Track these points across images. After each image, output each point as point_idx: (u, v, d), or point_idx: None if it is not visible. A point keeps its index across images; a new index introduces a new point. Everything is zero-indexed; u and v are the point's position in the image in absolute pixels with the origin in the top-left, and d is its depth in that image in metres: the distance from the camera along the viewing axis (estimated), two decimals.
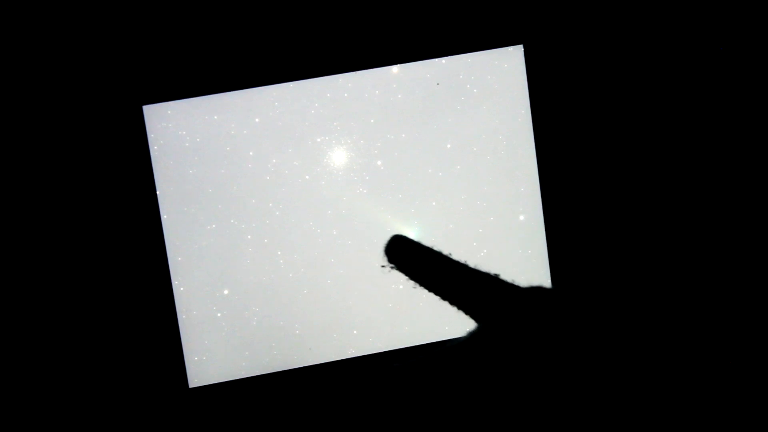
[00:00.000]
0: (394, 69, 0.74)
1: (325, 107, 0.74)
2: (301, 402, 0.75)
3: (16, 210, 0.72)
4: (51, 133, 0.73)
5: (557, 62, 0.75)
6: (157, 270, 0.73)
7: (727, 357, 0.72)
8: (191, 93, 0.72)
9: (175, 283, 0.73)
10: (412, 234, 0.74)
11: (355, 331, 0.75)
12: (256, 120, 0.73)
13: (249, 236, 0.74)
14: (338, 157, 0.74)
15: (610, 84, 0.76)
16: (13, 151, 0.72)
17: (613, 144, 0.76)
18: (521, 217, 0.76)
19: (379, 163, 0.74)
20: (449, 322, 0.74)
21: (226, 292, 0.74)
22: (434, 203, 0.75)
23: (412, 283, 0.69)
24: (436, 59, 0.74)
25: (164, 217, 0.73)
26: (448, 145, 0.75)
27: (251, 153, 0.73)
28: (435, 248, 0.56)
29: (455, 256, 0.54)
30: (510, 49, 0.75)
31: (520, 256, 0.75)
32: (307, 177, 0.74)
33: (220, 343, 0.74)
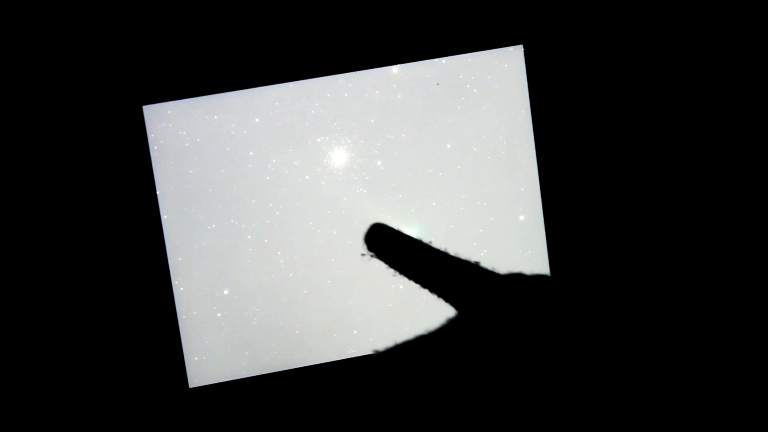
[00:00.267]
0: (394, 69, 0.74)
1: (325, 107, 0.73)
2: (301, 402, 0.75)
3: (16, 210, 0.72)
4: (51, 133, 0.73)
5: (557, 62, 0.75)
6: (157, 270, 0.73)
7: (727, 357, 0.72)
8: (191, 93, 0.72)
9: (175, 283, 0.73)
10: (413, 234, 0.74)
11: (355, 331, 0.75)
12: (256, 120, 0.73)
13: (249, 236, 0.74)
14: (338, 157, 0.74)
15: (610, 84, 0.76)
16: (14, 151, 0.72)
17: (613, 144, 0.76)
18: (521, 217, 0.75)
19: (379, 163, 0.74)
20: (449, 323, 0.74)
21: (226, 292, 0.74)
22: (434, 203, 0.75)
23: (409, 281, 0.69)
24: (436, 59, 0.74)
25: (164, 217, 0.73)
26: (448, 145, 0.75)
27: (251, 153, 0.73)
28: (414, 236, 0.56)
29: (435, 244, 0.54)
30: (510, 49, 0.75)
31: (520, 256, 0.75)
32: (307, 177, 0.74)
33: (220, 343, 0.74)
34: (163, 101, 0.72)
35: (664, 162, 0.77)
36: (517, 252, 0.75)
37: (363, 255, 0.67)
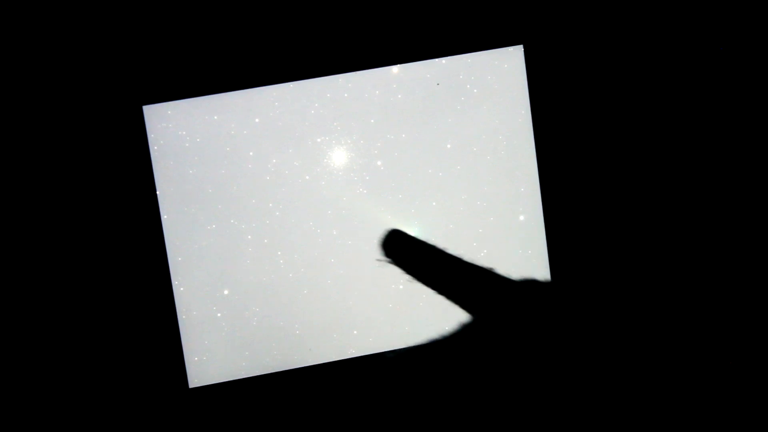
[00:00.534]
0: (394, 69, 0.74)
1: (325, 107, 0.74)
2: (301, 402, 0.75)
3: (16, 210, 0.72)
4: (52, 134, 0.73)
5: (557, 62, 0.75)
6: (157, 270, 0.73)
7: (727, 357, 0.72)
8: (191, 93, 0.73)
9: (175, 283, 0.73)
10: (413, 233, 0.74)
11: (355, 331, 0.75)
12: (256, 120, 0.73)
13: (249, 236, 0.74)
14: (338, 157, 0.74)
15: (610, 84, 0.76)
16: (14, 151, 0.72)
17: (613, 144, 0.76)
18: (521, 217, 0.76)
19: (379, 163, 0.74)
20: (449, 323, 0.74)
21: (226, 292, 0.74)
22: (434, 203, 0.75)
23: (413, 282, 0.69)
24: (436, 59, 0.74)
25: (164, 217, 0.73)
26: (448, 145, 0.75)
27: (251, 153, 0.73)
28: (430, 242, 0.56)
29: (451, 251, 0.54)
30: (510, 49, 0.75)
31: (520, 256, 0.75)
32: (307, 177, 0.74)
33: (220, 343, 0.74)
34: (163, 101, 0.72)
35: (664, 162, 0.77)
36: (517, 252, 0.75)
37: (379, 260, 0.68)
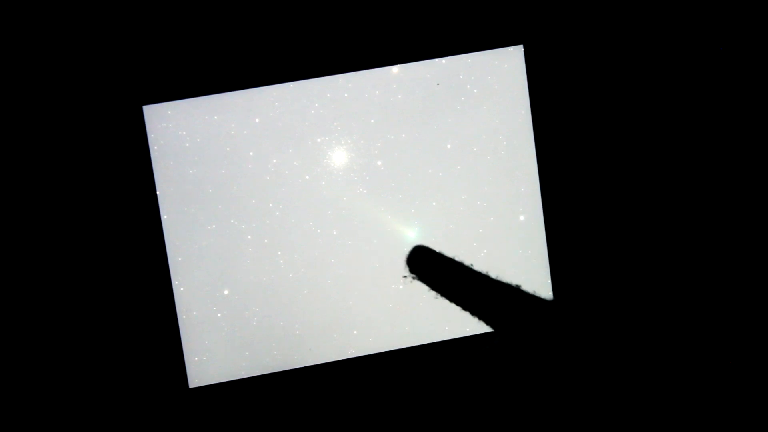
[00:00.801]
0: (394, 69, 0.74)
1: (325, 107, 0.74)
2: (301, 402, 0.75)
3: (16, 210, 0.72)
4: (52, 134, 0.73)
5: (557, 62, 0.75)
6: (157, 270, 0.73)
7: (727, 357, 0.72)
8: (191, 93, 0.73)
9: (175, 283, 0.73)
10: (413, 234, 0.74)
11: (355, 331, 0.75)
12: (256, 120, 0.73)
13: (249, 236, 0.74)
14: (338, 157, 0.74)
15: (609, 84, 0.76)
16: (14, 151, 0.72)
17: (612, 144, 0.76)
18: (521, 218, 0.75)
19: (379, 163, 0.74)
20: (449, 323, 0.74)
21: (226, 292, 0.74)
22: (434, 203, 0.75)
23: (418, 284, 0.69)
24: (436, 59, 0.74)
25: (164, 217, 0.73)
26: (448, 145, 0.75)
27: (251, 153, 0.73)
28: (456, 259, 0.58)
29: (476, 267, 0.55)
30: (510, 49, 0.75)
31: (520, 256, 0.75)
32: (307, 177, 0.74)
33: (220, 343, 0.74)
34: (163, 101, 0.72)
35: (664, 162, 0.77)
36: (517, 252, 0.75)
37: (405, 277, 0.69)
